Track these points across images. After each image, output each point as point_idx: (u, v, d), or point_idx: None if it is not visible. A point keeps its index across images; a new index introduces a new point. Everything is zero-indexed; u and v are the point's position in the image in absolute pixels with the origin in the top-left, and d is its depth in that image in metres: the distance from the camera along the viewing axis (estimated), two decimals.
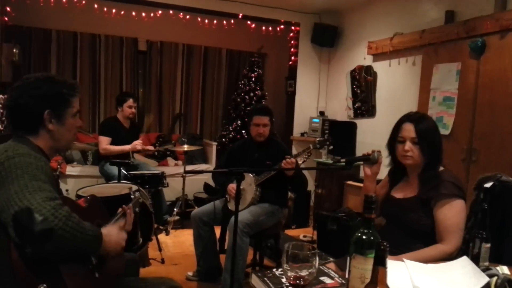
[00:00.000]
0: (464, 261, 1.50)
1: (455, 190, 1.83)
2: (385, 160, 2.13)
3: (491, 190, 2.03)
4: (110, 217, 1.73)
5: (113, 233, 1.56)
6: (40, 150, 1.56)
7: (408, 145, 1.94)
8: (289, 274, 1.22)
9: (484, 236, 1.54)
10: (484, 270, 1.46)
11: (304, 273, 1.21)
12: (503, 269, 1.52)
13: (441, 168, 1.94)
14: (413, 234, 1.88)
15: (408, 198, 1.96)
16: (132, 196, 2.37)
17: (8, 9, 4.92)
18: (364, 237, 1.23)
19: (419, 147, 1.92)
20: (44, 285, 1.31)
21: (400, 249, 1.77)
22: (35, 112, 1.55)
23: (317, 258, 1.22)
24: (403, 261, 1.54)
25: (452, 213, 1.80)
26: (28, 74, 1.68)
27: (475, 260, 1.52)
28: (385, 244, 1.11)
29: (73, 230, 1.32)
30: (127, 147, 4.47)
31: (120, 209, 1.76)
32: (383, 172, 2.19)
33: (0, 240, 1.35)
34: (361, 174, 4.99)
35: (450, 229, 1.79)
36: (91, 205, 1.68)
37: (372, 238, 1.22)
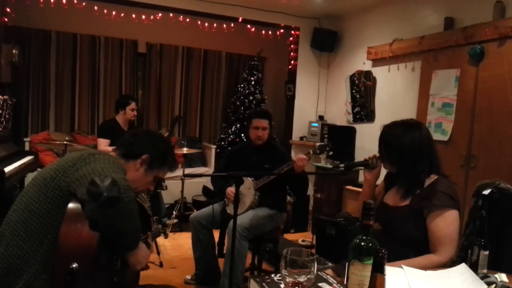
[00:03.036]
0: (463, 268, 1.50)
1: (447, 201, 1.81)
2: None
3: (490, 197, 2.03)
4: None
5: (143, 248, 1.70)
6: None
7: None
8: (287, 280, 1.22)
9: (483, 243, 1.54)
10: (483, 277, 1.46)
11: (302, 279, 1.21)
12: (502, 277, 1.52)
13: (435, 177, 1.91)
14: (405, 244, 1.86)
15: (401, 207, 1.94)
16: (155, 227, 2.49)
17: (8, 10, 4.92)
18: (362, 243, 1.23)
19: (379, 150, 2.00)
20: (76, 264, 1.42)
21: (392, 257, 1.76)
22: (141, 149, 1.85)
23: (316, 264, 1.22)
24: (401, 267, 1.53)
25: (444, 224, 1.79)
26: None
27: (474, 267, 1.52)
28: (383, 251, 1.11)
29: (131, 212, 1.50)
30: None
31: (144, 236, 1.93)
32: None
33: (55, 214, 1.53)
34: (360, 179, 5.00)
35: (443, 240, 1.77)
36: None
37: (370, 245, 1.22)
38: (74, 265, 1.41)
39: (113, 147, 1.93)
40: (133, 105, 4.66)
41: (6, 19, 4.89)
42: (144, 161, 1.85)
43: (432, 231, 1.81)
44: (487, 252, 1.54)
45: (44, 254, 1.50)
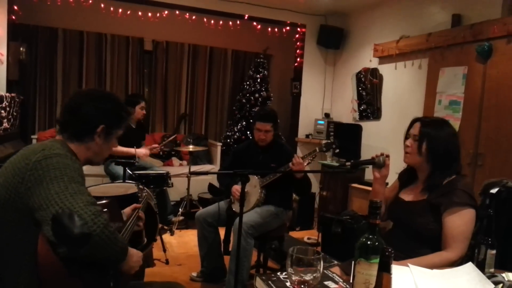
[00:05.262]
0: (470, 267, 1.50)
1: (466, 199, 1.82)
2: (395, 163, 2.12)
3: (497, 196, 2.02)
4: (124, 222, 1.78)
5: (133, 253, 1.60)
6: (75, 155, 1.58)
7: (409, 141, 2.00)
8: (293, 278, 1.22)
9: (490, 242, 1.54)
10: (490, 277, 1.45)
11: (308, 277, 1.21)
12: (509, 276, 1.51)
13: (454, 176, 1.92)
14: (420, 239, 1.87)
15: (417, 201, 1.95)
16: (140, 198, 2.40)
17: (15, 7, 4.94)
18: (368, 242, 1.23)
19: (417, 145, 1.95)
20: None
21: (406, 254, 1.77)
22: (92, 122, 1.62)
23: (322, 263, 1.22)
24: (408, 266, 1.53)
25: (461, 222, 1.79)
26: (96, 88, 1.78)
27: (481, 266, 1.51)
28: (389, 250, 1.11)
29: (107, 239, 1.36)
30: (132, 151, 4.47)
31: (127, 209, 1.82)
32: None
33: (26, 239, 1.39)
34: (366, 176, 4.98)
35: (456, 237, 1.77)
36: (110, 209, 1.69)
37: (376, 243, 1.22)
38: None
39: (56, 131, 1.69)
40: (142, 104, 4.74)
41: (13, 17, 4.91)
42: (100, 132, 1.64)
43: (447, 227, 1.81)
44: (494, 251, 1.54)
45: (25, 283, 1.40)
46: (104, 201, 1.74)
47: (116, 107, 1.70)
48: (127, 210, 1.97)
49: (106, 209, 1.66)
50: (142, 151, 4.56)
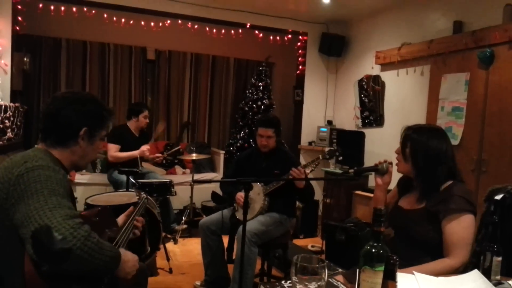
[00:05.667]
0: (475, 274, 1.49)
1: (464, 205, 1.80)
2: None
3: (502, 202, 2.01)
4: (119, 229, 1.74)
5: (128, 258, 1.56)
6: (59, 162, 1.57)
7: (397, 149, 2.02)
8: (298, 286, 1.21)
9: (495, 249, 1.52)
10: (496, 284, 1.44)
11: (313, 285, 1.20)
12: None
13: (450, 182, 1.91)
14: (420, 247, 1.86)
15: (416, 209, 1.94)
16: (139, 201, 2.37)
17: (19, 18, 4.98)
18: (373, 250, 1.22)
19: (401, 150, 1.98)
20: None
21: (407, 261, 1.75)
22: (73, 126, 1.59)
23: (326, 271, 1.21)
24: (412, 273, 1.52)
25: (460, 228, 1.77)
26: (74, 90, 1.75)
27: (487, 273, 1.50)
28: (394, 258, 1.10)
29: (91, 251, 1.31)
30: (135, 153, 4.51)
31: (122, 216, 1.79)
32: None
33: (14, 257, 1.35)
34: (370, 184, 4.97)
35: (457, 244, 1.76)
36: (101, 217, 1.67)
37: (381, 251, 1.21)
38: None
39: (39, 140, 1.65)
40: (146, 112, 4.80)
41: (17, 28, 4.95)
42: (84, 135, 1.61)
43: (447, 234, 1.79)
44: (500, 258, 1.52)
45: None
46: (95, 209, 1.71)
47: (97, 107, 1.67)
48: (120, 218, 1.92)
49: (97, 218, 1.62)
50: (143, 148, 4.57)
